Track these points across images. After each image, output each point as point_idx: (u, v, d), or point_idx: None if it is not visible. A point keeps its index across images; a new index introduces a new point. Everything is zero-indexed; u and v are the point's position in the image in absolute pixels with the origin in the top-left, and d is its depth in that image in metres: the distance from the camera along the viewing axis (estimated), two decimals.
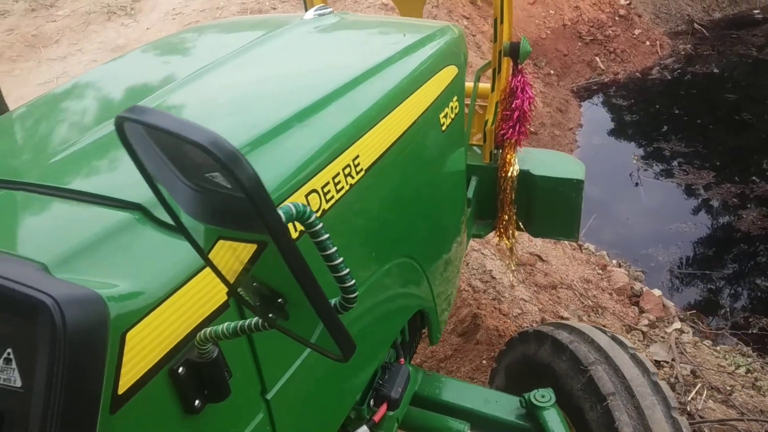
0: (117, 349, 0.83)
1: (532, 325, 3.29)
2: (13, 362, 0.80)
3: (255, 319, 0.81)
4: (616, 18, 9.49)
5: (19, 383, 0.79)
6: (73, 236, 0.96)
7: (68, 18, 8.01)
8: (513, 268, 3.31)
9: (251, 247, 0.78)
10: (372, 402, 1.62)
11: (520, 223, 2.66)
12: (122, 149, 1.22)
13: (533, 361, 2.33)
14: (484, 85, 2.57)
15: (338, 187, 1.25)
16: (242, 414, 1.07)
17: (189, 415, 0.94)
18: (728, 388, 3.20)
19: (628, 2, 9.77)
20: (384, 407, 1.60)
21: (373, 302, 1.49)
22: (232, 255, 0.78)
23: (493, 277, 3.52)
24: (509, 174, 2.54)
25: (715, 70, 8.92)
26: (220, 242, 0.78)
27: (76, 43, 7.71)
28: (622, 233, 5.81)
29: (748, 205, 6.03)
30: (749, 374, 3.25)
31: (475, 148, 2.64)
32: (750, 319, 4.59)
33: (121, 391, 0.84)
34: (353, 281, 0.71)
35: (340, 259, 0.70)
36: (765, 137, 7.30)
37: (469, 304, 3.36)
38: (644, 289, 4.56)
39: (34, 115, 1.45)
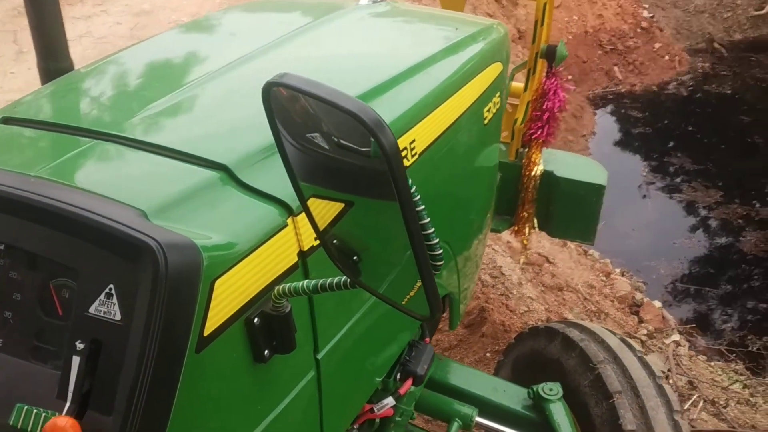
0: (206, 294, 0.91)
1: (537, 323, 3.37)
2: (114, 297, 0.87)
3: (337, 278, 0.89)
4: (638, 30, 9.52)
5: (118, 317, 0.86)
6: (165, 188, 1.03)
7: None
8: (523, 266, 3.38)
9: (338, 206, 0.86)
10: (398, 376, 1.69)
11: (537, 222, 2.73)
12: (204, 110, 1.29)
13: (542, 356, 2.39)
14: (516, 84, 2.63)
15: None
16: (298, 370, 1.15)
17: (257, 363, 1.02)
18: (722, 402, 3.29)
19: (651, 15, 9.81)
20: (409, 382, 1.68)
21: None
22: (321, 211, 0.86)
23: (503, 273, 3.60)
24: (533, 173, 2.60)
25: (731, 92, 8.96)
26: (312, 199, 0.86)
27: (101, 3, 7.73)
28: (626, 243, 5.88)
29: (752, 228, 6.11)
30: (745, 389, 3.34)
31: (500, 145, 2.70)
32: (745, 339, 4.67)
33: (206, 333, 0.91)
34: (441, 250, 0.78)
35: (432, 229, 0.78)
36: None
37: (477, 297, 3.43)
38: (645, 300, 4.65)
39: (109, 73, 1.52)
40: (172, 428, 0.86)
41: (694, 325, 4.63)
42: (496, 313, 3.32)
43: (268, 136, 1.19)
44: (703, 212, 6.43)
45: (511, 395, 2.13)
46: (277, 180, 1.11)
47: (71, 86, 1.48)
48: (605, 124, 8.28)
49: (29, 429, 0.79)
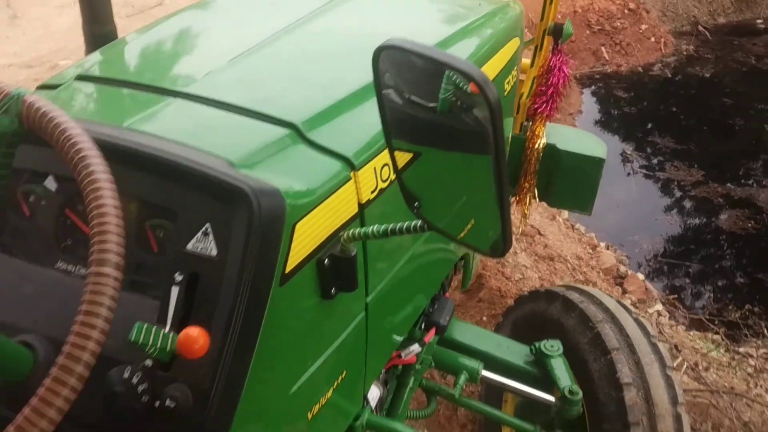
0: (289, 235, 1.03)
1: (532, 289, 3.52)
2: (211, 235, 0.98)
3: (407, 223, 1.01)
4: (626, 11, 9.65)
5: (214, 252, 0.98)
6: (243, 142, 1.14)
7: None
8: (519, 235, 3.53)
9: (407, 156, 0.99)
10: (422, 326, 1.83)
11: (538, 192, 2.87)
12: (266, 73, 1.40)
13: (542, 316, 2.54)
14: (523, 60, 2.75)
15: None
16: (353, 310, 1.28)
17: (324, 299, 1.14)
18: (702, 366, 3.49)
19: None
20: (433, 331, 1.82)
21: (442, 241, 1.70)
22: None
23: None
24: (537, 146, 2.74)
25: (713, 74, 9.15)
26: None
27: None
28: (610, 218, 6.06)
29: (731, 206, 6.33)
30: (727, 353, 3.54)
31: None
32: (723, 311, 4.89)
33: (287, 271, 1.03)
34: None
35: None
36: (752, 144, 7.61)
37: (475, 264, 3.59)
38: (629, 272, 4.83)
39: (166, 36, 1.61)
40: (257, 351, 0.99)
41: (675, 296, 4.84)
42: (492, 280, 3.47)
43: (329, 97, 1.31)
44: (685, 191, 6.63)
45: (514, 351, 2.27)
46: (340, 138, 1.23)
47: (132, 48, 1.57)
48: (592, 103, 8.43)
49: (150, 342, 0.90)
